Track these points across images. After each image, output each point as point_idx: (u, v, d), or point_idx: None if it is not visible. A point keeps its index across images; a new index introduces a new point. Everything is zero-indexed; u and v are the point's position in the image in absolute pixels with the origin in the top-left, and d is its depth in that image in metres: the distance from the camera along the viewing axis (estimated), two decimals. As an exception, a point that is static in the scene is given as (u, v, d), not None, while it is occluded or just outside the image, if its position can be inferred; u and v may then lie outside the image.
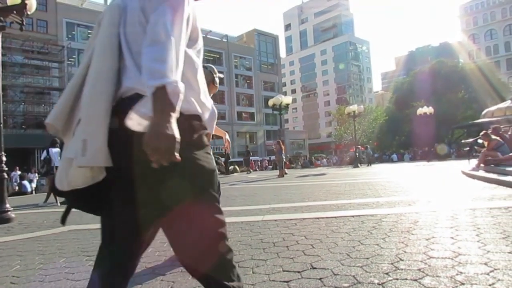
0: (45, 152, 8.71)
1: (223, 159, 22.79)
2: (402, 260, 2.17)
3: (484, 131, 9.89)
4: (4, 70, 25.48)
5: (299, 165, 36.74)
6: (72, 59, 34.56)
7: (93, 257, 2.83)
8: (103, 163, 1.08)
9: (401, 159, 37.38)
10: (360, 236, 2.91)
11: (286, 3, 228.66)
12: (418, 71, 54.65)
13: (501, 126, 11.16)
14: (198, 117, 1.14)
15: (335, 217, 3.88)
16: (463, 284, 1.73)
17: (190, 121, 1.11)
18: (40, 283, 2.27)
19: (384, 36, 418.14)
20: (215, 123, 1.31)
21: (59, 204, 8.28)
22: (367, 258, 2.27)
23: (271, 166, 34.71)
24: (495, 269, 1.89)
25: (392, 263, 2.12)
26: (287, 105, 20.08)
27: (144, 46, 1.02)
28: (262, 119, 55.54)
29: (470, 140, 15.83)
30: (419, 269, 1.98)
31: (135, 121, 0.96)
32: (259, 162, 38.12)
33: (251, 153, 27.20)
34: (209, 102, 1.21)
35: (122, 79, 1.13)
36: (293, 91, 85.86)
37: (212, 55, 49.78)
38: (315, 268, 2.17)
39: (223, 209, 1.18)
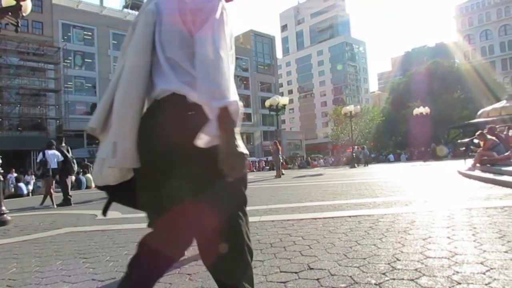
0: (41, 154, 8.65)
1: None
2: (399, 260, 2.17)
3: (480, 131, 9.96)
4: (-1, 72, 25.43)
5: (296, 165, 36.75)
6: (68, 61, 34.43)
7: (90, 259, 2.84)
8: (130, 165, 1.18)
9: (397, 159, 37.54)
10: (357, 236, 2.92)
11: (282, 4, 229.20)
12: (414, 71, 54.79)
13: (497, 126, 11.23)
14: None
15: (332, 218, 3.88)
16: (459, 283, 1.74)
17: None
18: (37, 286, 2.25)
19: (380, 36, 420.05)
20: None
21: (55, 206, 8.25)
22: (364, 258, 2.27)
23: (268, 167, 34.79)
24: (491, 269, 1.90)
25: (389, 263, 2.13)
26: (284, 105, 20.07)
27: (197, 64, 1.08)
28: (259, 120, 55.55)
29: (466, 140, 15.90)
30: (416, 269, 1.98)
31: (205, 140, 1.05)
32: (256, 163, 38.18)
33: (248, 154, 27.12)
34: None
35: (155, 79, 1.20)
36: (290, 92, 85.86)
37: (209, 56, 49.71)
38: (312, 268, 2.17)
39: None
